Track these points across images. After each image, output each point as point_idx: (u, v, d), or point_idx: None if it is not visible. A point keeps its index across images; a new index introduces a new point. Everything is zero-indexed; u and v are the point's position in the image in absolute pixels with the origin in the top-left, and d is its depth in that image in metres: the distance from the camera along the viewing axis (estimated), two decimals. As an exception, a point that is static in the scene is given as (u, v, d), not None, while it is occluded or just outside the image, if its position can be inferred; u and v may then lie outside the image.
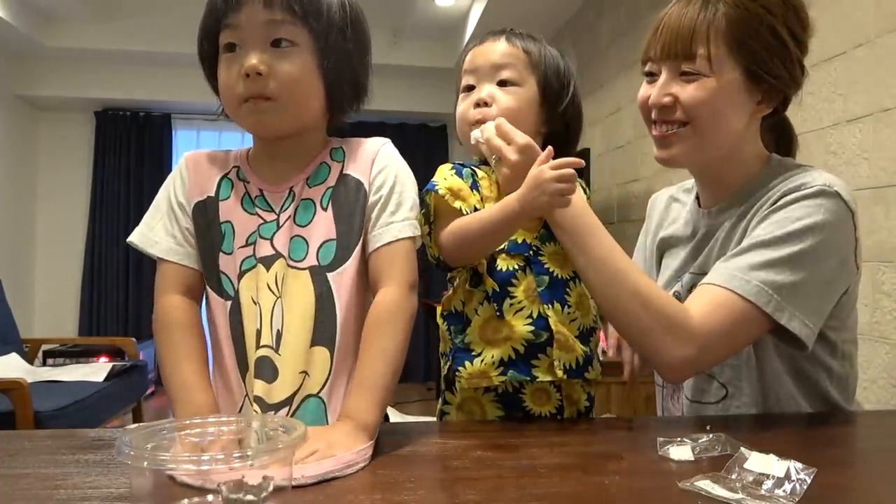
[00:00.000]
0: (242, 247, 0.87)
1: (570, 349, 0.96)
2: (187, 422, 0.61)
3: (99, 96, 5.49)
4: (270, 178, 0.91)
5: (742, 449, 0.69)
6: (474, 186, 1.00)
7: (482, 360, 0.96)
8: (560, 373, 0.95)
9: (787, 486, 0.63)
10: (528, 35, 1.06)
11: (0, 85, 5.07)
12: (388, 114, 5.79)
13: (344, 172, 0.91)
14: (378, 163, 0.91)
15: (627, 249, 1.07)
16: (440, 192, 0.96)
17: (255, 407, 0.82)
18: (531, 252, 0.98)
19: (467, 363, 0.97)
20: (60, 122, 5.77)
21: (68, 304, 5.74)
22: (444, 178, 0.99)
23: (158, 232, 0.90)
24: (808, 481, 0.63)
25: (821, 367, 1.02)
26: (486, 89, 1.02)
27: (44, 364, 4.31)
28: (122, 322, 5.72)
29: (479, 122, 1.01)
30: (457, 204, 0.95)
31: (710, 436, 0.76)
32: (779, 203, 0.97)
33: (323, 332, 0.85)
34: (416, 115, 6.01)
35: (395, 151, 0.94)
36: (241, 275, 0.87)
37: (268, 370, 0.83)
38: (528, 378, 0.95)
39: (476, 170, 1.03)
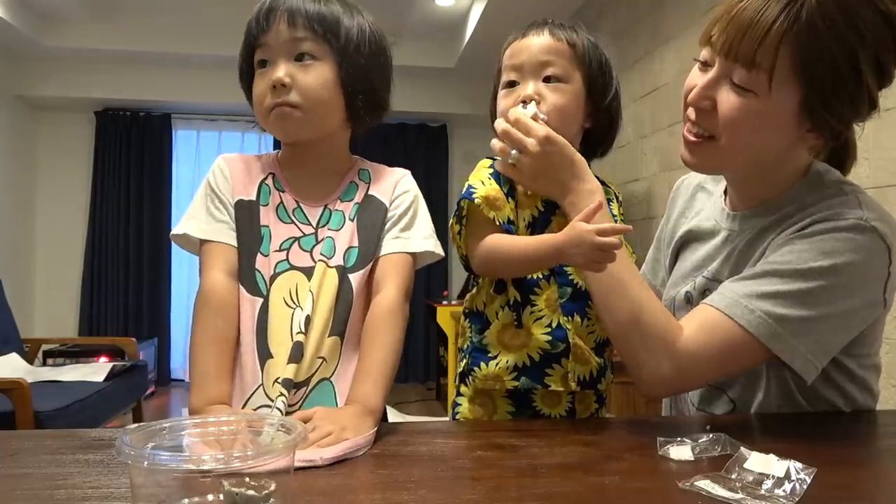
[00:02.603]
0: (276, 251, 0.95)
1: (585, 361, 0.96)
2: (186, 421, 0.62)
3: (99, 96, 5.49)
4: (306, 194, 1.00)
5: (742, 449, 0.69)
6: (510, 193, 0.99)
7: (497, 364, 0.97)
8: (574, 385, 0.96)
9: (787, 486, 0.63)
10: (569, 26, 1.02)
11: (0, 85, 5.07)
12: (389, 114, 5.76)
13: (369, 193, 1.01)
14: (399, 188, 1.03)
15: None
16: (476, 201, 0.95)
17: (280, 388, 0.87)
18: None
19: (483, 364, 0.97)
20: (60, 122, 5.76)
21: (68, 304, 5.74)
22: (482, 181, 0.98)
23: (200, 218, 0.96)
24: (808, 481, 0.63)
25: (836, 390, 0.97)
26: (532, 86, 0.98)
27: (44, 364, 4.31)
28: (122, 322, 5.72)
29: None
30: (491, 214, 0.95)
31: (710, 436, 0.76)
32: (807, 230, 0.89)
33: (338, 323, 0.93)
34: (416, 115, 6.00)
35: (414, 181, 1.05)
36: (274, 276, 0.94)
37: (297, 353, 0.90)
38: (541, 386, 0.96)
39: None
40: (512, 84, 1.01)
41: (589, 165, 1.02)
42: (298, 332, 0.90)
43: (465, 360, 1.02)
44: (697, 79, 0.93)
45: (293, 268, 0.94)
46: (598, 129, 1.05)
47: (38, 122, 5.71)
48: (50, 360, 4.48)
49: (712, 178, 1.16)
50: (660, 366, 0.88)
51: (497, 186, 0.98)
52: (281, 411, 0.86)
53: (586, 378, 0.97)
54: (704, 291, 1.03)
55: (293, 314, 0.91)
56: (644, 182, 3.42)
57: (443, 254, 1.01)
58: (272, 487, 0.53)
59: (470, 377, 1.00)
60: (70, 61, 5.27)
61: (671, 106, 3.16)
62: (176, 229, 0.97)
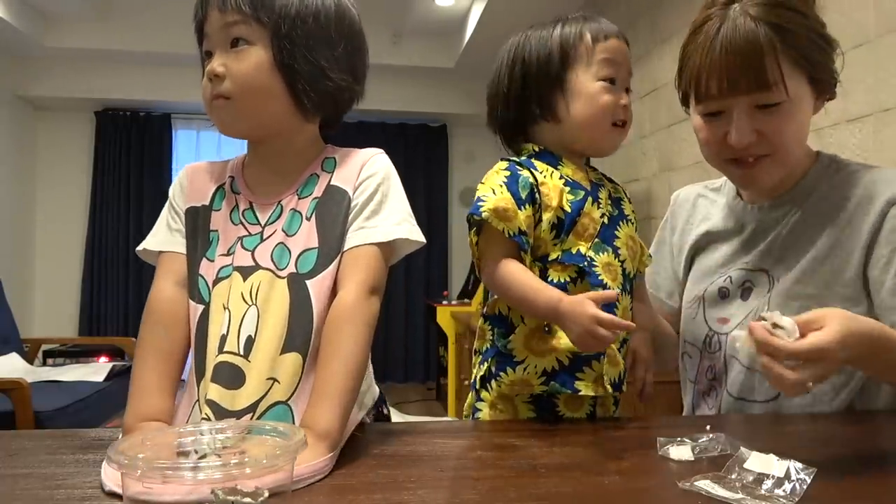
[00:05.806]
0: (223, 255, 0.87)
1: (616, 363, 0.96)
2: (182, 430, 0.62)
3: (99, 96, 5.48)
4: (262, 191, 0.91)
5: (742, 449, 0.69)
6: (529, 199, 0.93)
7: (525, 369, 0.94)
8: (609, 387, 0.94)
9: (787, 486, 0.63)
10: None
11: (0, 85, 5.07)
12: (388, 114, 5.79)
13: (331, 183, 0.90)
14: (365, 171, 0.90)
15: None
16: (484, 215, 0.91)
17: (207, 411, 0.77)
18: (585, 263, 0.94)
19: (509, 370, 0.95)
20: (60, 122, 5.76)
21: (68, 304, 5.74)
22: (493, 189, 0.93)
23: (161, 230, 0.93)
24: (808, 481, 0.63)
25: None
26: (625, 98, 1.00)
27: (44, 364, 4.31)
28: (122, 322, 5.72)
29: (624, 124, 1.01)
30: (500, 227, 0.91)
31: (710, 436, 0.76)
32: None
33: (296, 337, 0.81)
34: (416, 115, 6.00)
35: (387, 161, 0.93)
36: (216, 281, 0.86)
37: (229, 376, 0.79)
38: (571, 391, 0.94)
39: (535, 173, 0.96)
40: (610, 80, 0.99)
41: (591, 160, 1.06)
42: (228, 352, 0.80)
43: (486, 365, 0.99)
44: (716, 129, 0.99)
45: (234, 269, 0.85)
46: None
47: (38, 122, 5.70)
48: (50, 360, 4.48)
49: (711, 188, 1.23)
50: None
51: (508, 195, 0.92)
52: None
53: (615, 380, 0.96)
54: (744, 283, 1.07)
55: (223, 319, 0.82)
56: (644, 182, 3.42)
57: (423, 240, 0.90)
58: (265, 495, 0.53)
59: (493, 382, 0.98)
60: (70, 61, 5.27)
61: (671, 105, 3.15)
62: (141, 245, 0.92)
